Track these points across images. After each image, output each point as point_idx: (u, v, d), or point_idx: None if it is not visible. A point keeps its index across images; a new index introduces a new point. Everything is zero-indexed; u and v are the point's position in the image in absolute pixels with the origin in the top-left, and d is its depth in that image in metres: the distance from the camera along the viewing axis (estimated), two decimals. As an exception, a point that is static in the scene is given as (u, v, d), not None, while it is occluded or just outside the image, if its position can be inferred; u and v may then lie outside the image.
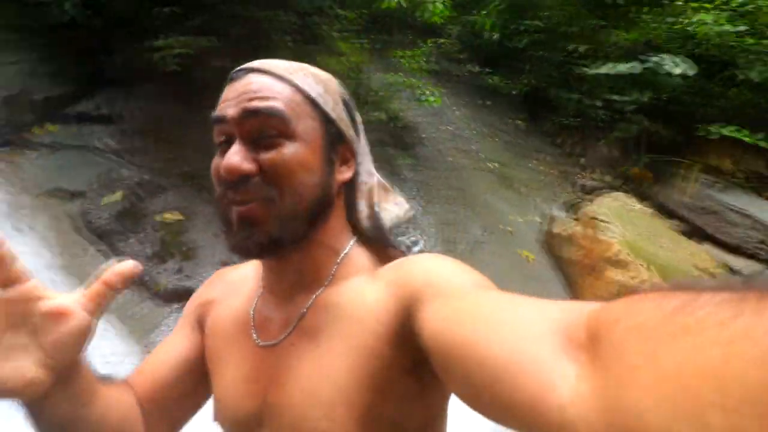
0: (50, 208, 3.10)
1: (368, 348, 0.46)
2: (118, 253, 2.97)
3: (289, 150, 0.48)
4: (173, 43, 3.92)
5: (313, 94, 0.52)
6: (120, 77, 4.28)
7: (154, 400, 0.57)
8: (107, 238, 2.99)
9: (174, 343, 0.61)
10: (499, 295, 0.38)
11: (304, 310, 0.52)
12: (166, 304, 2.73)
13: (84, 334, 0.41)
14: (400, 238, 0.58)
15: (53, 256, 2.81)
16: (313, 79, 0.53)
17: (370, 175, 0.58)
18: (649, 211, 4.79)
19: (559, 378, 0.25)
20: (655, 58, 4.82)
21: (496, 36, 7.00)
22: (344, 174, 0.54)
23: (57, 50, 4.05)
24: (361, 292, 0.49)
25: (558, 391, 0.24)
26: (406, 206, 0.61)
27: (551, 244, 4.49)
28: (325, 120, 0.52)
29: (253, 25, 4.36)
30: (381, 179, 0.60)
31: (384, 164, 4.37)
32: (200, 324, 0.62)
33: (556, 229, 4.51)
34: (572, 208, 5.24)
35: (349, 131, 0.55)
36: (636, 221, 4.38)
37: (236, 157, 0.47)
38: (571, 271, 4.08)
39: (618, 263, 3.62)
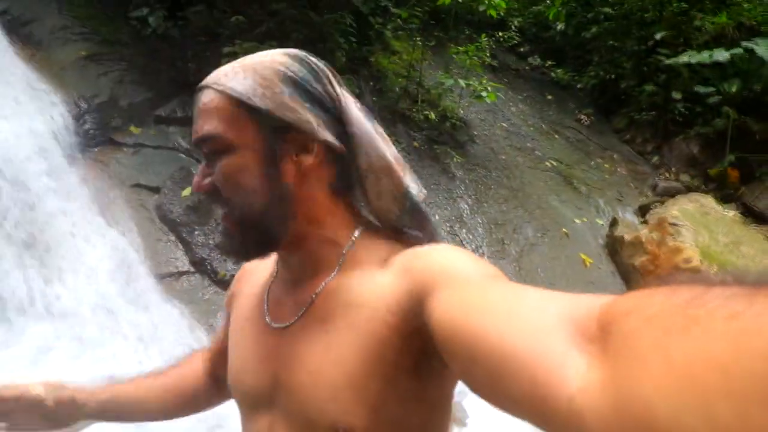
0: (133, 201, 3.53)
1: (376, 335, 0.46)
2: (186, 243, 3.30)
3: (225, 162, 0.50)
4: (238, 50, 4.23)
5: (245, 94, 0.49)
6: (195, 82, 4.69)
7: (211, 374, 0.73)
8: (178, 229, 3.34)
9: (221, 330, 0.74)
10: (510, 285, 0.38)
11: (314, 295, 0.53)
12: (225, 290, 2.99)
13: (65, 396, 0.69)
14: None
15: (135, 242, 3.21)
16: (251, 76, 0.49)
17: (379, 157, 0.52)
18: (731, 214, 4.26)
19: (570, 369, 0.25)
20: (747, 44, 4.26)
21: (561, 26, 6.61)
22: (305, 161, 0.50)
23: (141, 60, 4.55)
24: (372, 281, 0.49)
25: (567, 381, 0.24)
26: (420, 186, 0.57)
27: (613, 248, 4.18)
28: (255, 113, 0.49)
29: (312, 29, 4.56)
30: (396, 155, 0.55)
31: (433, 162, 4.35)
32: (229, 317, 0.67)
33: (619, 232, 4.19)
34: (641, 210, 4.82)
35: (299, 116, 0.49)
36: (714, 226, 3.92)
37: (197, 177, 0.53)
38: (633, 278, 3.77)
39: (688, 271, 3.28)
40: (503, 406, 0.31)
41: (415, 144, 4.46)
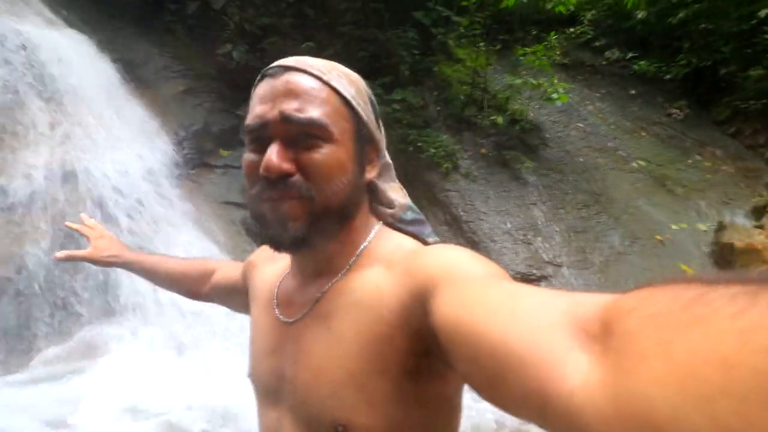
0: (223, 216, 3.90)
1: (378, 334, 0.47)
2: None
3: (327, 151, 0.50)
4: (309, 73, 4.50)
5: (348, 96, 0.53)
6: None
7: (214, 287, 0.87)
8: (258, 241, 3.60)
9: (234, 270, 0.81)
10: (513, 284, 0.38)
11: (320, 294, 0.54)
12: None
13: (104, 249, 0.96)
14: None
15: (225, 252, 3.53)
16: (346, 80, 0.54)
17: (389, 167, 0.61)
18: None
19: (571, 366, 0.25)
20: None
21: (642, 14, 6.05)
22: (370, 173, 0.56)
23: (228, 90, 5.05)
24: (375, 281, 0.50)
25: (569, 378, 0.24)
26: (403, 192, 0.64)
27: (721, 257, 3.64)
28: (357, 122, 0.54)
29: (377, 46, 4.71)
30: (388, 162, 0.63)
31: (502, 168, 4.19)
32: (245, 277, 0.73)
33: (728, 239, 3.65)
34: (754, 212, 4.16)
35: (376, 132, 0.57)
36: None
37: (277, 156, 0.49)
38: (751, 292, 3.22)
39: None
40: (505, 405, 0.31)
41: (483, 151, 4.34)
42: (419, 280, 0.45)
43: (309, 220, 0.51)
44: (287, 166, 0.50)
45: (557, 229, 3.78)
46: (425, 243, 0.57)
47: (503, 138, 4.40)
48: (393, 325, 0.46)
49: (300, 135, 0.50)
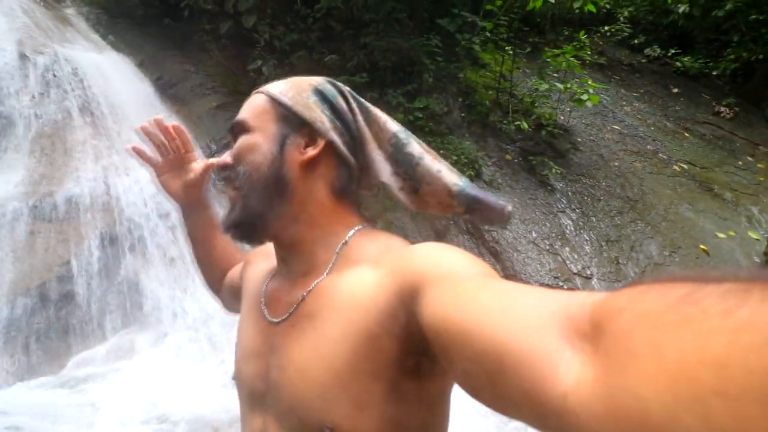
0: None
1: (365, 333, 0.46)
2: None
3: (240, 139, 0.57)
4: (333, 84, 4.59)
5: (276, 93, 0.57)
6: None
7: (224, 284, 0.83)
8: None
9: (237, 271, 0.79)
10: (503, 283, 0.37)
11: (304, 294, 0.53)
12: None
13: (200, 180, 0.79)
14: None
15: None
16: (288, 84, 0.58)
17: (401, 133, 0.57)
18: None
19: (563, 367, 0.25)
20: None
21: (684, 8, 5.69)
22: (308, 153, 0.55)
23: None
24: (362, 280, 0.49)
25: (562, 379, 0.24)
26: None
27: (776, 269, 3.31)
28: (280, 107, 0.56)
29: (400, 55, 4.72)
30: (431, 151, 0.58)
31: (528, 175, 4.05)
32: (241, 276, 0.73)
33: (783, 249, 3.32)
34: (816, 219, 3.76)
35: (314, 115, 0.55)
36: None
37: (220, 158, 0.59)
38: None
39: None
40: (496, 404, 0.30)
41: (508, 156, 4.22)
42: (407, 278, 0.44)
43: (241, 203, 0.55)
44: (221, 159, 0.58)
45: (587, 239, 3.59)
46: (504, 210, 0.53)
47: (529, 143, 4.26)
48: (381, 324, 0.45)
49: (233, 138, 0.58)
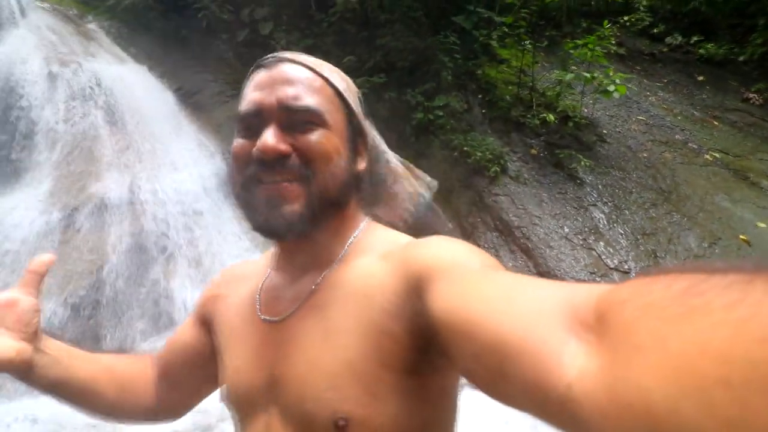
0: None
1: (376, 323, 0.45)
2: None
3: (323, 135, 0.50)
4: (351, 86, 4.58)
5: (340, 88, 0.54)
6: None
7: (165, 376, 0.66)
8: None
9: (182, 332, 0.67)
10: (508, 275, 0.37)
11: (313, 287, 0.52)
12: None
13: (33, 310, 0.53)
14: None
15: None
16: (338, 75, 0.56)
17: (389, 162, 0.61)
18: None
19: (568, 358, 0.25)
20: None
21: (706, -6, 5.54)
22: (360, 165, 0.56)
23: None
24: (371, 271, 0.49)
25: (566, 370, 0.24)
26: (429, 179, 0.64)
27: (826, 258, 3.14)
28: (349, 113, 0.55)
29: (417, 54, 4.69)
30: (401, 161, 0.63)
31: (556, 169, 3.95)
32: (205, 320, 0.63)
33: (834, 236, 3.15)
34: None
35: (366, 126, 0.58)
36: None
37: (273, 138, 0.48)
38: None
39: None
40: (501, 395, 0.31)
41: (533, 151, 4.13)
42: (414, 270, 0.44)
43: (306, 203, 0.49)
44: (284, 146, 0.49)
45: (622, 232, 3.47)
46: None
47: (555, 136, 4.16)
48: (392, 315, 0.45)
49: (296, 121, 0.50)
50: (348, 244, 0.54)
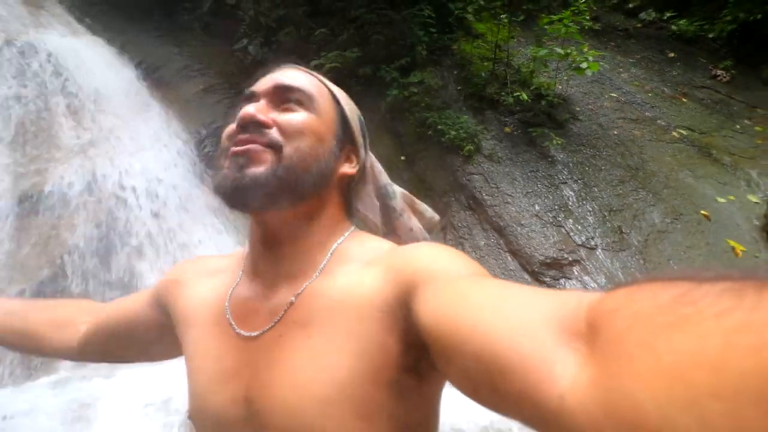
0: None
1: (367, 337, 0.43)
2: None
3: (308, 117, 0.52)
4: (324, 61, 4.43)
5: (338, 96, 0.57)
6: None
7: (98, 330, 0.66)
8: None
9: (134, 301, 0.66)
10: (497, 283, 0.37)
11: (293, 298, 0.49)
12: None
13: None
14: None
15: (242, 244, 3.62)
16: (341, 92, 0.59)
17: (389, 186, 0.64)
18: None
19: (559, 368, 0.25)
20: None
21: (680, -32, 5.53)
22: (347, 170, 0.57)
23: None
24: (356, 280, 0.47)
25: (558, 380, 0.24)
26: (432, 214, 0.67)
27: (777, 231, 3.33)
28: (341, 118, 0.56)
29: (391, 28, 4.55)
30: (405, 194, 0.66)
31: (528, 147, 3.98)
32: (162, 302, 0.61)
33: (785, 211, 3.32)
34: (816, 179, 3.76)
35: (360, 137, 0.59)
36: None
37: (255, 108, 0.50)
38: (814, 269, 2.93)
39: None
40: (492, 405, 0.30)
41: (507, 129, 4.14)
42: (401, 277, 0.43)
43: (271, 169, 0.48)
44: (265, 117, 0.49)
45: (590, 209, 3.56)
46: None
47: (528, 115, 4.17)
48: (384, 326, 0.43)
49: (284, 100, 0.52)
50: (330, 251, 0.52)
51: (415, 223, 0.64)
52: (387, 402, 0.43)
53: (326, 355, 0.44)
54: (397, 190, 0.65)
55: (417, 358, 0.43)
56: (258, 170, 0.48)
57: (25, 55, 3.93)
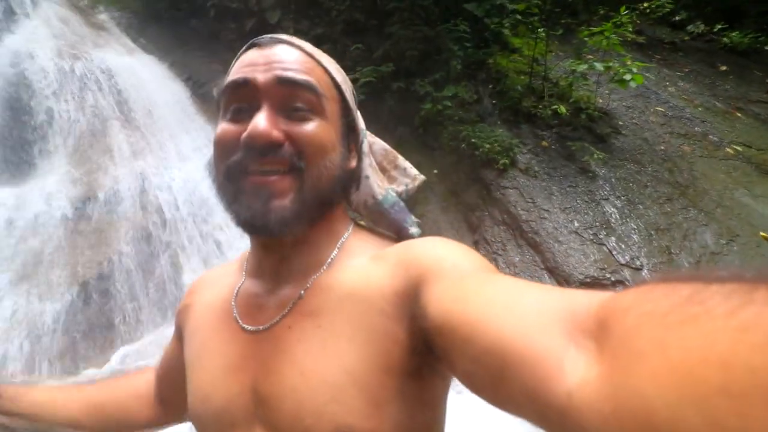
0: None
1: (377, 327, 0.43)
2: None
3: (318, 124, 0.47)
4: (359, 75, 4.52)
5: (338, 79, 0.51)
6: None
7: (160, 387, 0.67)
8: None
9: (169, 342, 0.66)
10: (507, 279, 0.36)
11: (302, 292, 0.48)
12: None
13: None
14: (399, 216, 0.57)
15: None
16: (335, 66, 0.52)
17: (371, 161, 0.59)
18: None
19: (568, 365, 0.24)
20: None
21: (732, -21, 5.27)
22: (351, 163, 0.53)
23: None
24: (365, 273, 0.46)
25: (567, 377, 0.24)
26: (415, 171, 0.60)
27: None
28: (344, 107, 0.52)
29: (427, 43, 4.59)
30: (387, 148, 0.60)
31: (567, 161, 3.84)
32: (179, 332, 0.60)
33: None
34: None
35: (360, 125, 0.55)
36: None
37: (266, 122, 0.44)
38: None
39: None
40: (499, 402, 0.30)
41: (544, 143, 4.02)
42: (411, 271, 0.42)
43: (296, 198, 0.45)
44: (278, 133, 0.44)
45: (635, 227, 3.36)
46: (405, 232, 0.55)
47: (567, 128, 4.04)
48: (392, 317, 0.43)
49: (292, 105, 0.46)
50: (338, 246, 0.51)
51: (377, 175, 0.57)
52: (397, 388, 0.42)
53: (336, 343, 0.43)
54: (377, 147, 0.59)
55: (425, 352, 0.41)
56: (283, 203, 0.45)
57: (85, 72, 4.26)
